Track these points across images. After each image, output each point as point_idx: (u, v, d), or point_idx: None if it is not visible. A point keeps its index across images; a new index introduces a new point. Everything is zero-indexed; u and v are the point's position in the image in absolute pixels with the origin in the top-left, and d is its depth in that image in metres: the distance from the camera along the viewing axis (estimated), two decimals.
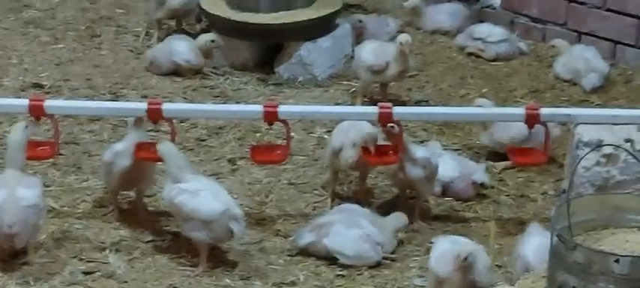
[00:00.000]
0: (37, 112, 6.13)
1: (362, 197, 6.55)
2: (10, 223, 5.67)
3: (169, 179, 5.94)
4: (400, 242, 6.12)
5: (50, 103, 6.20)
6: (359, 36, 8.80)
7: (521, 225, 6.18)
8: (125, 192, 6.48)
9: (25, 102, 6.20)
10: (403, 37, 7.65)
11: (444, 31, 9.27)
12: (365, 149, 6.28)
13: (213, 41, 8.29)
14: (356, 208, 6.25)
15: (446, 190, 6.67)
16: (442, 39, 9.17)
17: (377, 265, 5.97)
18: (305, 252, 6.05)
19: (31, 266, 5.84)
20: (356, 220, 6.06)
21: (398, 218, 6.13)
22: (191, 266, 5.90)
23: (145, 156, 6.18)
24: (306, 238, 6.05)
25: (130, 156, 6.16)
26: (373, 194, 6.70)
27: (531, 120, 6.18)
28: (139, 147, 6.19)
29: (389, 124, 6.18)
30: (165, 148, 5.97)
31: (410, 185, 6.38)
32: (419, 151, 6.31)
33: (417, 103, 7.98)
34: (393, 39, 8.16)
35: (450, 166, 6.65)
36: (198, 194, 5.82)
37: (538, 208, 6.64)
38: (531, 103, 7.12)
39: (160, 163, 6.18)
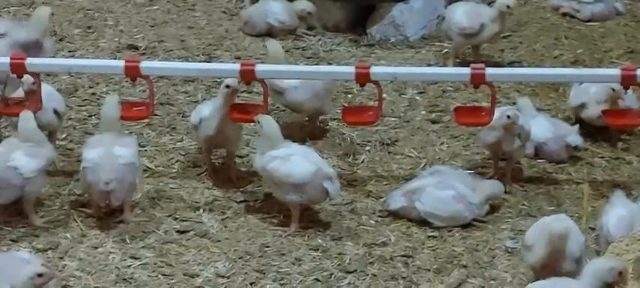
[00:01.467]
0: (132, 73, 6.22)
1: None
2: (106, 180, 5.78)
3: (260, 148, 5.98)
4: (492, 208, 6.08)
5: (146, 64, 6.29)
6: None
7: (615, 187, 6.11)
8: (219, 151, 6.56)
9: (121, 63, 6.30)
10: (510, 1, 7.54)
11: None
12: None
13: (309, 13, 8.33)
14: (449, 170, 6.24)
15: (539, 152, 6.60)
16: None
17: (468, 227, 5.96)
18: (397, 215, 6.06)
19: (127, 224, 5.96)
20: (449, 183, 6.04)
21: (494, 185, 6.08)
22: (283, 226, 5.96)
23: (239, 118, 6.24)
24: (398, 202, 6.06)
25: (214, 120, 6.21)
26: None
27: (627, 81, 6.09)
28: (233, 108, 6.24)
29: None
30: (267, 122, 6.00)
31: (497, 148, 6.34)
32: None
33: (510, 64, 7.91)
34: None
35: (543, 127, 6.59)
36: (290, 159, 5.86)
37: (633, 170, 6.54)
38: (627, 64, 7.01)
39: (249, 123, 6.24)
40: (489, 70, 6.17)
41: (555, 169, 6.56)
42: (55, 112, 6.40)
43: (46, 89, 6.38)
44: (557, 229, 5.17)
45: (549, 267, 5.15)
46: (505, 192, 6.21)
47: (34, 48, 6.99)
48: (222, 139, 6.32)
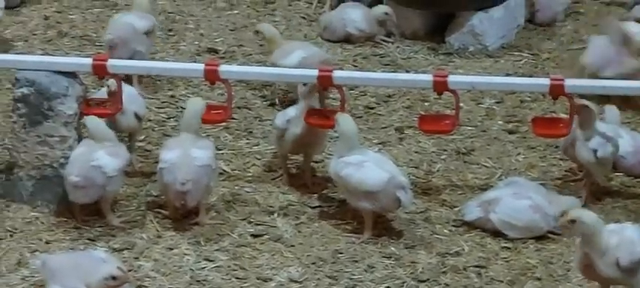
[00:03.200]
0: (211, 77, 6.28)
1: None
2: (183, 181, 5.85)
3: (337, 153, 6.01)
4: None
5: (224, 68, 6.34)
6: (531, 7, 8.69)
7: None
8: (294, 157, 6.60)
9: (201, 66, 6.35)
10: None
11: (619, 2, 9.02)
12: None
13: (386, 14, 8.34)
14: (524, 181, 6.19)
15: (617, 165, 6.49)
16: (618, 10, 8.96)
17: (543, 239, 5.90)
18: (471, 225, 6.03)
19: (202, 227, 6.02)
20: (525, 193, 6.00)
21: (572, 202, 6.00)
22: (356, 233, 5.97)
23: (316, 123, 6.26)
24: (474, 213, 6.03)
25: (301, 122, 6.27)
26: None
27: None
28: (310, 113, 6.27)
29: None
30: (344, 120, 6.02)
31: (579, 162, 6.27)
32: (598, 129, 6.14)
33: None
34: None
35: (623, 141, 6.44)
36: (363, 166, 5.87)
37: None
38: None
39: (330, 129, 6.27)
40: (569, 82, 6.11)
41: (633, 183, 6.47)
42: (136, 115, 6.48)
43: (128, 91, 6.48)
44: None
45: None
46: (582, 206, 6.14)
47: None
48: (309, 140, 6.34)
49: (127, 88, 6.50)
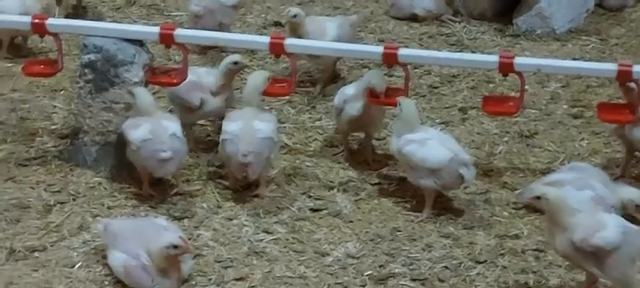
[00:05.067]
0: (277, 50, 6.29)
1: None
2: (244, 152, 5.88)
3: (398, 131, 6.00)
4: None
5: (290, 42, 6.34)
6: None
7: None
8: (356, 133, 6.60)
9: (267, 39, 6.36)
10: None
11: None
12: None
13: None
14: (587, 167, 6.13)
15: None
16: None
17: None
18: (531, 207, 5.99)
19: (262, 199, 6.05)
20: (588, 182, 5.93)
21: (631, 192, 5.91)
22: (415, 211, 5.97)
23: (378, 101, 6.26)
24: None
25: (358, 102, 6.26)
26: None
27: None
28: (372, 92, 6.27)
29: (627, 83, 6.02)
30: (407, 105, 6.01)
31: (634, 146, 6.20)
32: None
33: None
34: None
35: None
36: (426, 143, 5.87)
37: None
38: None
39: (390, 107, 6.26)
40: (637, 68, 6.02)
41: None
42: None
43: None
44: None
45: None
46: None
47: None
48: (366, 121, 6.35)
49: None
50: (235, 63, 6.36)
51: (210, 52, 7.62)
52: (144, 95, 6.05)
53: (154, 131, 5.91)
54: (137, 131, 5.92)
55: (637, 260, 5.20)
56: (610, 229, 5.07)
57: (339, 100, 6.40)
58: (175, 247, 5.16)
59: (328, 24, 7.27)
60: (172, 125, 6.00)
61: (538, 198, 5.13)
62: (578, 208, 5.22)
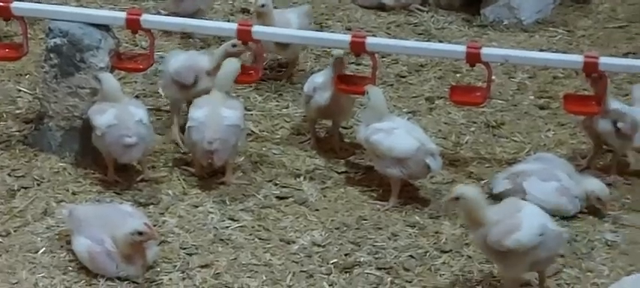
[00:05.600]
0: (244, 37, 6.27)
1: None
2: (210, 140, 5.86)
3: (366, 119, 6.00)
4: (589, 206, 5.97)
5: (257, 29, 6.32)
6: None
7: None
8: (323, 121, 6.60)
9: (234, 26, 6.33)
10: None
11: None
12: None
13: None
14: (553, 157, 6.16)
15: None
16: None
17: (568, 217, 5.87)
18: (498, 197, 6.00)
19: (228, 186, 6.03)
20: (553, 172, 5.96)
21: (594, 184, 5.92)
22: (381, 200, 5.97)
23: (345, 89, 6.25)
24: (502, 185, 6.00)
25: (327, 90, 6.25)
26: None
27: None
28: (341, 79, 6.26)
29: (593, 74, 6.05)
30: (374, 93, 6.00)
31: (601, 138, 6.23)
32: (613, 104, 6.12)
33: (625, 55, 7.75)
34: None
35: None
36: (393, 132, 5.87)
37: None
38: None
39: (358, 96, 6.26)
40: (603, 60, 6.06)
41: None
42: None
43: None
44: None
45: None
46: (608, 185, 6.09)
47: None
48: (335, 109, 6.34)
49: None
50: (234, 46, 6.31)
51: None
52: (110, 81, 6.01)
53: (120, 117, 5.87)
54: (103, 117, 5.88)
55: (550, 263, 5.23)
56: (524, 231, 5.05)
57: (309, 88, 6.39)
58: (140, 233, 5.13)
59: (290, 15, 7.23)
60: (139, 111, 5.96)
61: (457, 199, 5.11)
62: (497, 207, 5.22)
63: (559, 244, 5.18)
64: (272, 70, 7.32)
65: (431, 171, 5.88)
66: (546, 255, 5.13)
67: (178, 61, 6.41)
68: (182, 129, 6.25)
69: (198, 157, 5.99)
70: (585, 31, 8.23)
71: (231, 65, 6.15)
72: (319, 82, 6.34)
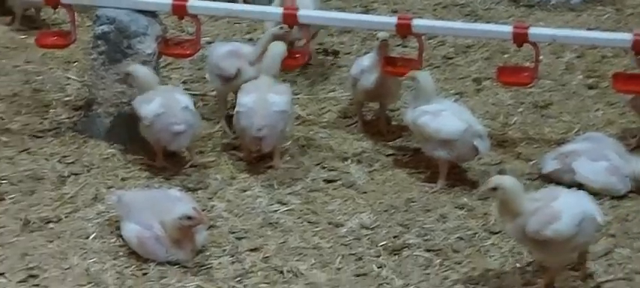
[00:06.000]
0: (290, 21, 6.26)
1: None
2: (259, 126, 5.87)
3: (413, 102, 5.98)
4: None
5: (303, 13, 6.32)
6: None
7: None
8: (370, 104, 6.59)
9: (280, 11, 6.32)
10: None
11: None
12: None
13: None
14: (603, 137, 6.11)
15: None
16: None
17: (620, 197, 5.82)
18: (547, 178, 5.97)
19: (276, 170, 6.05)
20: (603, 152, 5.91)
21: None
22: (430, 182, 5.96)
23: (392, 71, 6.24)
24: (550, 165, 5.96)
25: (374, 72, 6.25)
26: None
27: None
28: (386, 62, 6.25)
29: None
30: (423, 77, 5.99)
31: None
32: None
33: None
34: None
35: None
36: (440, 114, 5.85)
37: None
38: None
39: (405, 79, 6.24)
40: None
41: None
42: None
43: None
44: None
45: None
46: None
47: None
48: (382, 91, 6.33)
49: None
50: (281, 28, 6.30)
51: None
52: (142, 71, 6.02)
53: (167, 105, 5.90)
54: (149, 106, 5.91)
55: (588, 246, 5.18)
56: (564, 220, 4.99)
57: (355, 71, 6.38)
58: (189, 218, 5.16)
59: (305, 1, 7.14)
60: (184, 99, 5.99)
61: (494, 189, 5.04)
62: (535, 196, 5.15)
63: (597, 227, 5.13)
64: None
65: (479, 153, 5.86)
66: (585, 240, 5.09)
67: (220, 53, 6.42)
68: (229, 117, 6.28)
69: (247, 142, 6.00)
70: (634, 9, 8.15)
71: (278, 48, 6.16)
72: (366, 65, 6.33)
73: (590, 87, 7.01)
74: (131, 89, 6.14)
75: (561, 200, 5.06)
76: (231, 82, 6.35)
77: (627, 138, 6.34)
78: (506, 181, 5.07)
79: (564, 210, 4.99)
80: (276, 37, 6.27)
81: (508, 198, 5.01)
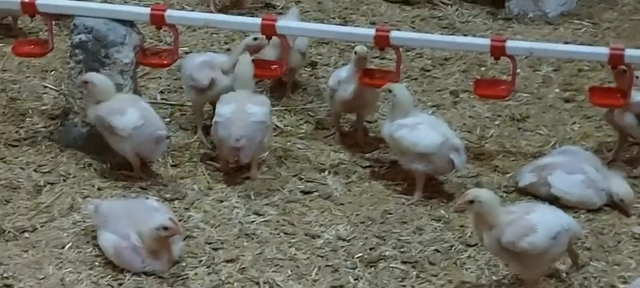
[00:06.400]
0: (268, 32, 6.26)
1: None
2: (237, 137, 5.86)
3: (390, 115, 5.99)
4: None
5: (282, 24, 6.31)
6: None
7: None
8: (348, 115, 6.59)
9: (258, 21, 6.32)
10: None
11: None
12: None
13: None
14: (579, 150, 6.13)
15: None
16: None
17: (595, 209, 5.85)
18: (523, 191, 5.99)
19: (253, 181, 6.04)
20: (579, 165, 5.93)
21: (620, 187, 5.85)
22: (406, 194, 5.96)
23: (369, 83, 6.24)
24: (527, 178, 5.98)
25: (352, 84, 6.25)
26: None
27: None
28: (364, 73, 6.26)
29: (620, 67, 6.02)
30: (400, 90, 6.00)
31: (625, 131, 6.20)
32: (637, 97, 6.08)
33: None
34: None
35: None
36: (417, 128, 5.85)
37: None
38: None
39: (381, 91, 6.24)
40: (629, 52, 6.02)
41: None
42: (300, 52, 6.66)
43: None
44: None
45: None
46: (634, 177, 6.08)
47: None
48: (359, 103, 6.33)
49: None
50: (255, 39, 6.29)
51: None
52: (99, 78, 5.99)
53: (145, 116, 5.89)
54: (125, 117, 5.88)
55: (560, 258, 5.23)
56: (539, 233, 5.02)
57: (333, 82, 6.38)
58: (165, 228, 5.15)
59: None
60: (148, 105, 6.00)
61: (471, 202, 5.06)
62: (512, 209, 5.18)
63: (575, 239, 5.15)
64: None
65: (455, 167, 5.86)
66: (560, 252, 5.12)
67: (194, 64, 6.40)
68: (207, 127, 6.27)
69: (225, 153, 5.99)
70: (610, 24, 8.20)
71: (242, 65, 6.12)
72: (343, 76, 6.34)
73: (567, 100, 7.04)
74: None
75: (537, 213, 5.09)
76: (206, 93, 6.34)
77: (603, 151, 6.38)
78: (483, 193, 5.09)
79: (540, 223, 5.02)
80: (249, 48, 6.27)
81: (485, 210, 5.03)
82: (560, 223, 5.08)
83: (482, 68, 7.38)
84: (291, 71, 6.77)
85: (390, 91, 5.98)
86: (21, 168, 6.10)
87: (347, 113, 6.55)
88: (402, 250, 5.51)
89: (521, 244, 4.97)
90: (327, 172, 6.17)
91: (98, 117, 5.93)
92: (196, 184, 6.00)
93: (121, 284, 5.18)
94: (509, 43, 6.14)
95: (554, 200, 5.81)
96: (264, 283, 5.23)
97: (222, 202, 5.87)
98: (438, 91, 7.13)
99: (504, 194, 5.98)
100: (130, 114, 5.88)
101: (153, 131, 5.86)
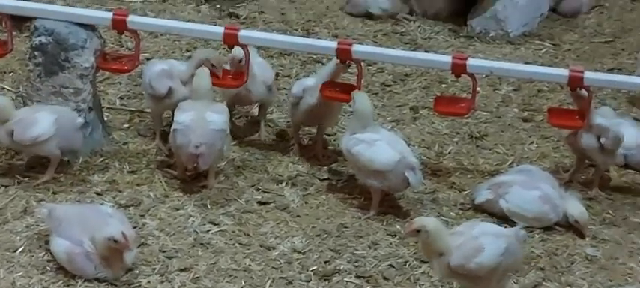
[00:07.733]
0: (230, 41, 6.25)
1: None
2: (196, 144, 5.84)
3: (350, 129, 5.99)
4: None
5: (244, 33, 6.30)
6: None
7: None
8: (307, 128, 6.59)
9: (221, 30, 6.31)
10: None
11: None
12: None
13: None
14: (536, 170, 6.16)
15: (627, 161, 6.42)
16: None
17: (549, 229, 5.88)
18: (479, 208, 6.01)
19: (210, 190, 6.02)
20: (535, 184, 5.97)
21: (575, 209, 5.88)
22: (363, 209, 5.96)
23: (332, 96, 6.24)
24: (483, 196, 6.00)
25: (316, 93, 6.25)
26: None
27: None
28: (327, 85, 6.25)
29: (578, 89, 6.06)
30: (361, 98, 6.00)
31: (584, 153, 6.23)
32: (597, 119, 6.13)
33: (610, 71, 7.77)
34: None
35: (629, 135, 6.30)
36: (374, 144, 5.86)
37: None
38: None
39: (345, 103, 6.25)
40: (588, 74, 6.07)
41: None
42: (266, 85, 6.51)
43: (258, 61, 6.53)
44: None
45: None
46: (590, 198, 6.12)
47: None
48: (324, 111, 6.33)
49: (257, 59, 6.51)
50: (213, 65, 6.26)
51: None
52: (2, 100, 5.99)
53: (58, 121, 5.89)
54: (40, 126, 5.86)
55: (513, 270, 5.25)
56: (487, 253, 5.04)
57: (298, 90, 6.37)
58: (116, 241, 5.10)
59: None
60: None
61: (417, 231, 5.05)
62: (457, 230, 5.20)
63: (521, 248, 5.18)
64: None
65: (410, 185, 5.85)
66: (512, 265, 5.16)
67: (152, 72, 6.36)
68: (165, 134, 6.24)
69: (183, 160, 5.97)
70: (571, 46, 8.26)
71: (203, 76, 6.10)
72: (309, 85, 6.32)
73: (526, 120, 7.08)
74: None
75: (482, 232, 5.11)
76: (164, 101, 6.31)
77: (560, 172, 6.41)
78: (429, 223, 5.08)
79: (486, 242, 5.03)
80: (202, 62, 6.23)
81: (431, 239, 5.03)
82: (506, 237, 5.11)
83: (443, 85, 7.41)
84: (261, 107, 6.68)
85: (352, 99, 5.98)
86: None
87: (307, 125, 6.54)
88: (356, 264, 5.51)
89: (469, 266, 4.99)
90: (284, 184, 6.17)
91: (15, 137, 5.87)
92: (152, 192, 5.97)
93: None
94: (470, 61, 6.16)
95: (510, 217, 5.85)
96: None
97: (178, 210, 5.84)
98: (398, 106, 7.14)
99: (460, 211, 6.00)
100: (44, 122, 5.86)
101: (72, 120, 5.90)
